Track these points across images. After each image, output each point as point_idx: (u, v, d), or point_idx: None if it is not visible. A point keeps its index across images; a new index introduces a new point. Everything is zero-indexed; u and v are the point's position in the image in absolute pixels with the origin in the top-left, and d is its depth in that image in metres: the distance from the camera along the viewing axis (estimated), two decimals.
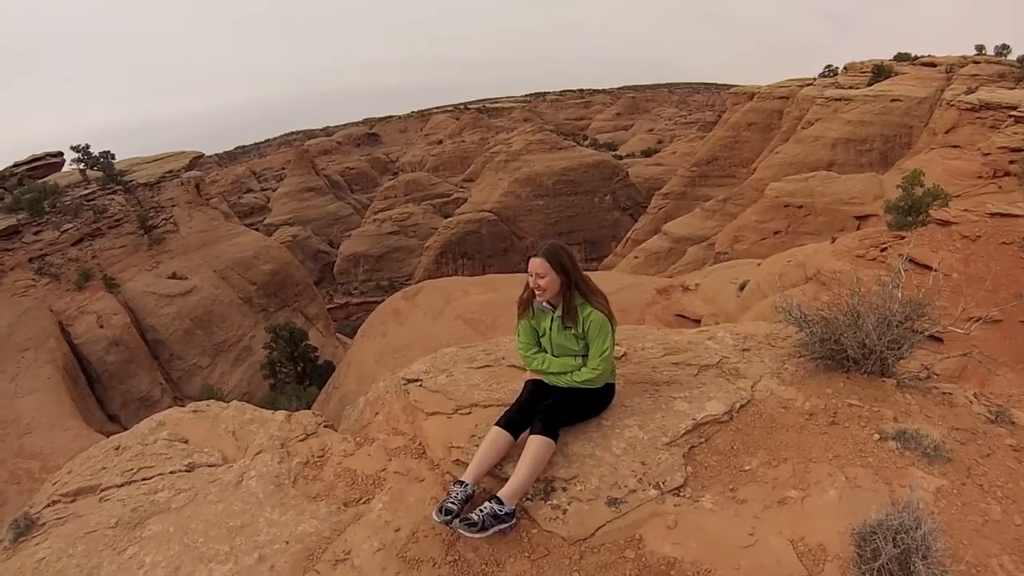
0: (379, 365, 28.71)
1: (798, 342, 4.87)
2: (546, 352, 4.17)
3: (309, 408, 32.05)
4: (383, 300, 40.06)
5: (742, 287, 24.40)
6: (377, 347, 30.19)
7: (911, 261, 16.79)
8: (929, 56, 60.85)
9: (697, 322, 24.20)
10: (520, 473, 3.57)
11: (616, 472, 3.69)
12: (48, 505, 4.86)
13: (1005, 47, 56.69)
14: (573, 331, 4.01)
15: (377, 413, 5.00)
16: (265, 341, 42.32)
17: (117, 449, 5.08)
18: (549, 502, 3.58)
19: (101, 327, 38.27)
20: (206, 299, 44.89)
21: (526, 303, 4.23)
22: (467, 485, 3.59)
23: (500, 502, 3.45)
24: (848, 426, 4.01)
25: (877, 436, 3.88)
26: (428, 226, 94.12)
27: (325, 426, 5.17)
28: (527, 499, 3.61)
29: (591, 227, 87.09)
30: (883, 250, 17.88)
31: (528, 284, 4.12)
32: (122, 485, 4.60)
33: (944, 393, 4.50)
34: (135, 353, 39.06)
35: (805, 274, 20.41)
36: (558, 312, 4.06)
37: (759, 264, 26.69)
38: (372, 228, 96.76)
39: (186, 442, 5.07)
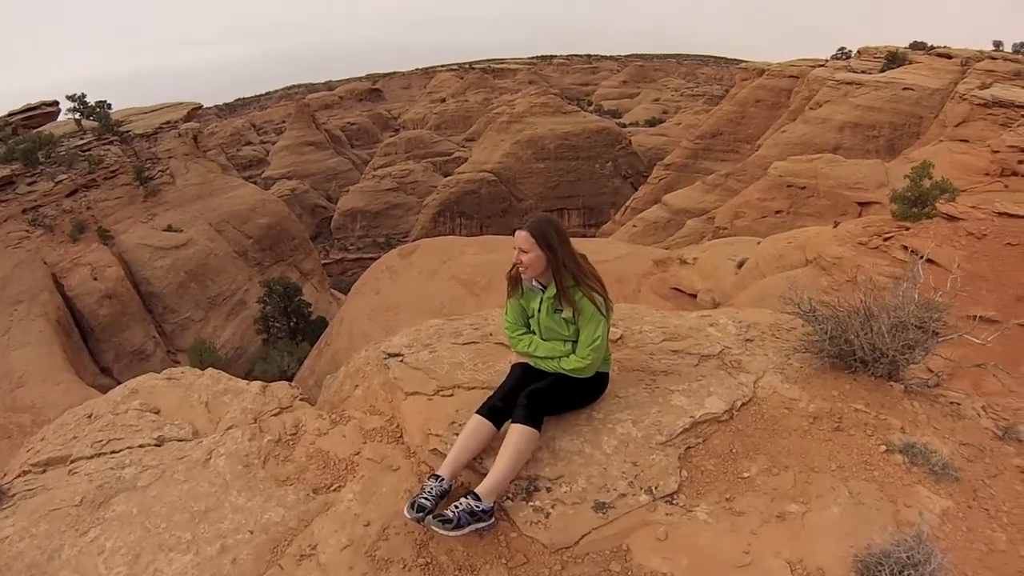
0: (371, 323, 28.63)
1: (804, 337, 4.64)
2: (534, 334, 3.85)
3: (301, 362, 32.29)
4: (379, 257, 39.79)
5: (740, 264, 24.21)
6: (371, 304, 30.02)
7: (914, 253, 16.68)
8: (945, 47, 60.05)
9: (693, 296, 24.08)
10: (500, 466, 3.28)
11: (606, 473, 3.42)
12: (19, 475, 4.68)
13: (1023, 45, 55.73)
14: (563, 314, 3.67)
15: (357, 386, 4.74)
16: (259, 295, 42.31)
17: (89, 417, 4.88)
18: (531, 503, 3.31)
19: (95, 279, 38.13)
20: (201, 252, 44.65)
21: (515, 280, 3.85)
22: (443, 480, 3.31)
23: (477, 498, 3.17)
24: (854, 434, 3.79)
25: (884, 448, 3.67)
26: (427, 184, 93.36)
27: (301, 399, 4.92)
28: (507, 498, 3.34)
29: (591, 193, 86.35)
30: (886, 239, 17.68)
31: (512, 272, 3.82)
32: (91, 457, 4.40)
33: (952, 403, 4.29)
34: (128, 306, 39.00)
35: (805, 257, 20.23)
36: (548, 293, 3.72)
37: (759, 243, 26.45)
38: (371, 184, 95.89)
39: (158, 412, 4.86)
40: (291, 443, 4.24)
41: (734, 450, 3.64)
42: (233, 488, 3.87)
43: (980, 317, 4.74)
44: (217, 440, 4.35)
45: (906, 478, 3.46)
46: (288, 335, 40.86)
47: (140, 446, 4.47)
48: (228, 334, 43.15)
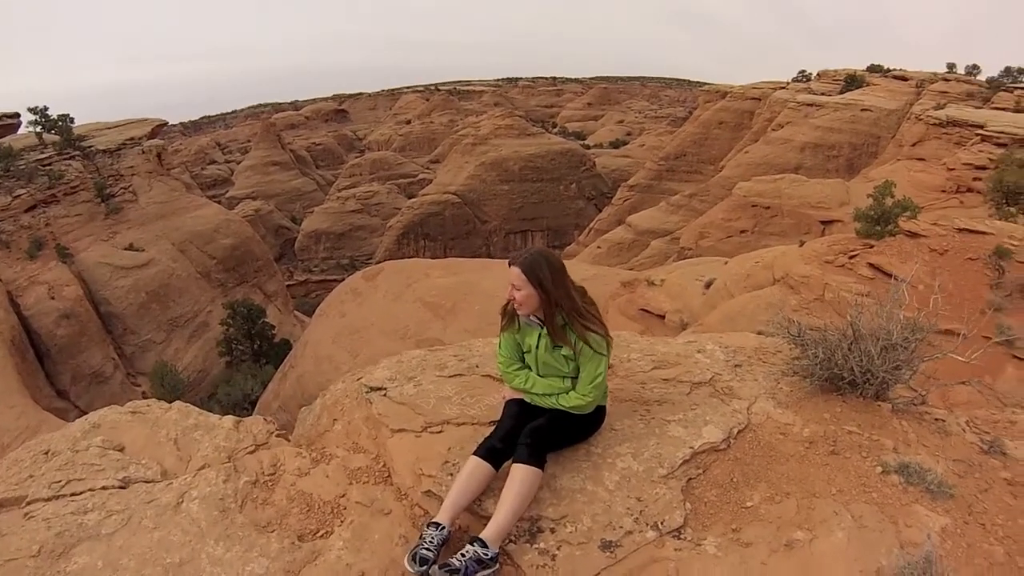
0: (336, 346, 28.27)
1: (792, 360, 4.66)
2: (530, 369, 3.72)
3: (264, 385, 31.70)
4: (343, 279, 39.43)
5: (708, 284, 24.41)
6: (335, 327, 29.67)
7: (878, 270, 16.98)
8: (901, 70, 62.29)
9: (661, 317, 24.18)
10: (504, 509, 3.13)
11: (610, 510, 3.30)
12: None
13: (975, 67, 58.00)
14: (563, 351, 3.55)
15: (336, 420, 4.52)
16: (222, 317, 41.65)
17: (46, 454, 4.45)
18: (535, 546, 3.16)
19: (52, 298, 37.03)
20: (163, 272, 43.84)
21: (511, 314, 3.72)
22: (443, 528, 3.13)
23: (484, 544, 3.01)
24: (849, 456, 3.79)
25: (880, 469, 3.67)
26: (392, 206, 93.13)
27: (277, 435, 4.67)
28: (510, 541, 3.19)
29: (555, 215, 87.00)
30: (852, 257, 17.95)
31: (507, 305, 3.69)
32: (49, 499, 4.00)
33: (937, 419, 4.34)
34: (87, 327, 37.93)
35: (773, 276, 20.42)
36: (546, 329, 3.59)
37: (726, 263, 26.75)
38: (335, 205, 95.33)
39: (122, 450, 4.46)
40: (270, 484, 3.97)
41: (735, 479, 3.58)
42: (210, 536, 3.56)
43: (961, 335, 4.78)
44: (189, 481, 4.03)
45: (904, 498, 3.46)
46: (252, 358, 40.35)
47: (103, 488, 4.09)
48: (190, 357, 42.28)
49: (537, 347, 3.63)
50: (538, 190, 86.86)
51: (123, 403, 5.39)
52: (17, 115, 47.72)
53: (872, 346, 4.20)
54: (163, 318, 42.48)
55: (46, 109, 47.28)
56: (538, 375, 3.67)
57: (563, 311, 3.51)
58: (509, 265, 3.55)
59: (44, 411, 29.01)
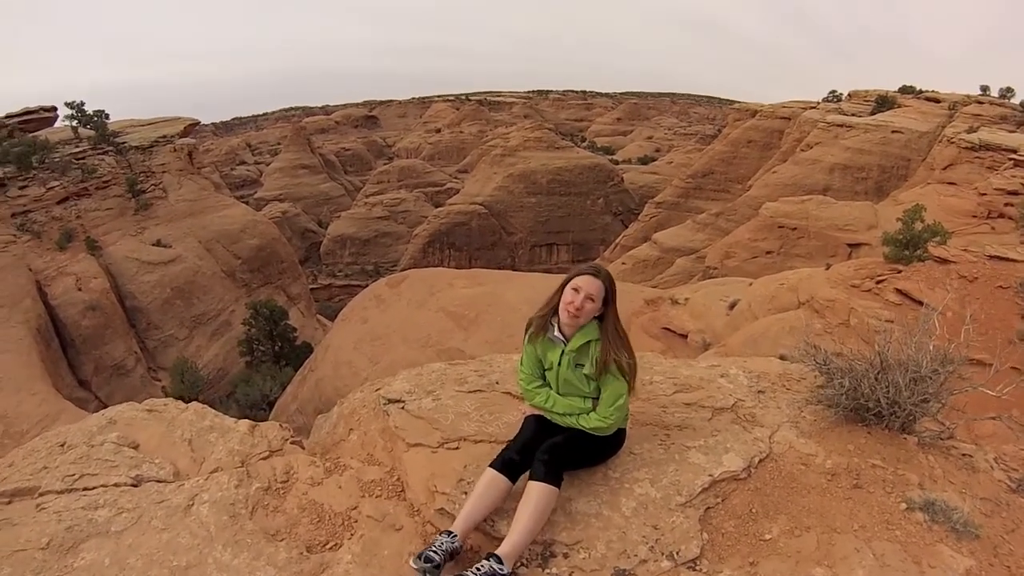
0: (357, 352, 28.33)
1: (816, 389, 4.55)
2: (550, 387, 3.67)
3: (283, 387, 31.84)
4: (367, 285, 39.59)
5: (732, 305, 24.12)
6: (357, 333, 29.73)
7: (905, 296, 16.70)
8: (933, 91, 61.38)
9: (684, 337, 23.93)
10: (520, 527, 3.08)
11: (625, 537, 3.22)
12: None
13: (1009, 90, 57.26)
14: (584, 370, 3.51)
15: (352, 430, 4.49)
16: (244, 317, 41.91)
17: (62, 446, 4.47)
18: (547, 571, 3.10)
19: (79, 290, 37.51)
20: (189, 269, 44.25)
21: (542, 326, 3.66)
22: (455, 537, 3.10)
23: (500, 561, 2.96)
24: (873, 491, 3.68)
25: (904, 505, 3.57)
26: (418, 214, 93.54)
27: (292, 442, 4.65)
28: (522, 564, 3.12)
29: (581, 229, 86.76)
30: (879, 282, 17.68)
31: (552, 302, 3.62)
32: (62, 492, 4.01)
33: (964, 455, 4.21)
34: (112, 319, 38.34)
35: (798, 299, 20.17)
36: (571, 346, 3.55)
37: (751, 284, 26.42)
38: (362, 211, 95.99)
39: (136, 448, 4.47)
40: (282, 492, 3.95)
41: (754, 510, 3.49)
42: (218, 541, 3.53)
43: (992, 367, 4.65)
44: (201, 484, 4.03)
45: (928, 537, 3.37)
46: (272, 359, 40.51)
47: (115, 485, 4.10)
48: (211, 354, 42.63)
49: (559, 364, 3.59)
50: (565, 204, 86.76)
51: (142, 396, 5.41)
52: (54, 108, 48.79)
53: (900, 377, 4.09)
54: (186, 315, 42.89)
55: (82, 104, 48.38)
56: (558, 394, 3.63)
57: (612, 330, 3.53)
58: (580, 275, 3.52)
59: (65, 400, 29.32)
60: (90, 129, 47.74)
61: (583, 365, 3.52)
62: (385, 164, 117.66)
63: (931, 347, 4.28)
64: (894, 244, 18.29)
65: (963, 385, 4.36)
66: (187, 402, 5.31)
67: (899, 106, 59.73)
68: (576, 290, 3.48)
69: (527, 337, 3.73)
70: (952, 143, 45.37)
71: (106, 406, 5.37)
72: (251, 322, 40.64)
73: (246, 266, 49.87)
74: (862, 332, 15.44)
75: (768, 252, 42.32)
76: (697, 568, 3.13)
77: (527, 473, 3.32)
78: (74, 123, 47.92)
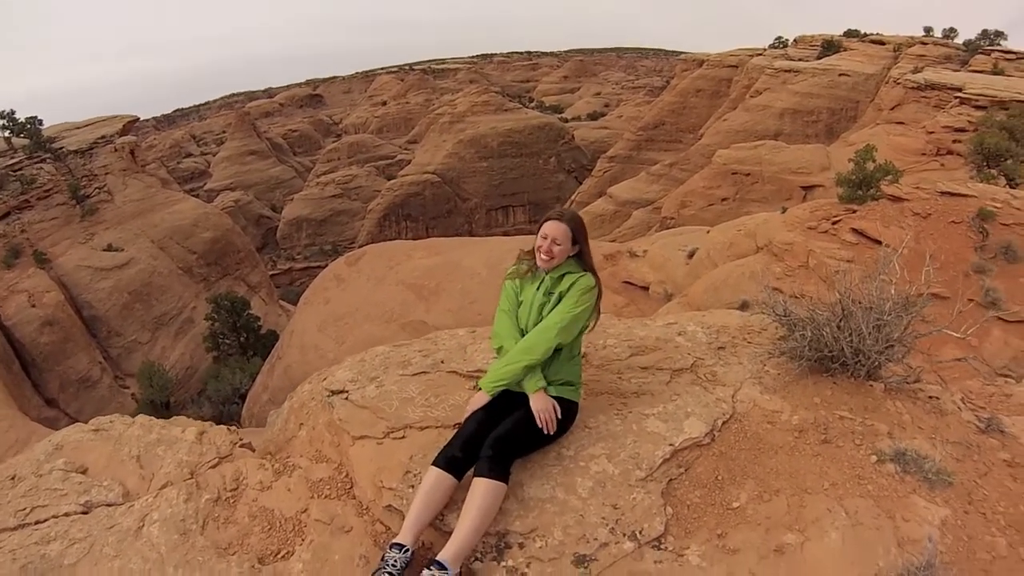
0: (322, 334, 27.96)
1: (779, 340, 4.42)
2: (520, 332, 3.65)
3: (254, 379, 31.34)
4: (326, 265, 39.01)
5: (691, 255, 24.22)
6: (320, 315, 29.32)
7: (862, 235, 16.82)
8: (878, 34, 62.47)
9: (645, 289, 24.00)
10: (464, 528, 2.88)
11: (583, 520, 3.03)
12: None
13: (952, 30, 58.24)
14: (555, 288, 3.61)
15: (302, 425, 4.27)
16: (207, 312, 41.38)
17: (13, 479, 4.25)
18: (503, 563, 2.91)
19: (33, 306, 36.64)
20: (144, 271, 43.45)
21: (524, 269, 3.78)
22: (407, 550, 2.89)
23: (442, 567, 2.76)
24: (842, 445, 3.57)
25: (875, 458, 3.47)
26: (371, 188, 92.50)
27: (241, 445, 4.43)
28: (475, 559, 2.93)
29: (535, 189, 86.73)
30: (835, 223, 17.76)
31: (528, 250, 3.77)
32: (15, 529, 3.80)
33: (931, 397, 4.15)
34: (71, 332, 37.57)
35: (756, 244, 20.24)
36: (550, 275, 3.66)
37: (708, 232, 26.56)
38: (315, 191, 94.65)
39: (84, 472, 4.26)
40: (232, 501, 3.75)
41: (720, 477, 3.34)
42: (169, 564, 3.36)
43: (956, 309, 4.56)
44: (150, 503, 3.82)
45: (900, 489, 3.29)
46: (239, 351, 40.04)
47: (66, 514, 3.89)
48: (177, 354, 42.00)
49: (537, 291, 3.66)
50: (517, 165, 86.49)
51: (113, 406, 5.16)
52: None
53: (864, 324, 3.99)
54: (147, 317, 42.18)
55: (13, 113, 46.52)
56: (529, 328, 3.63)
57: (589, 268, 3.67)
58: (546, 220, 3.63)
59: (33, 422, 28.52)
60: (24, 138, 45.99)
61: (554, 294, 3.59)
62: (333, 142, 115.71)
63: (892, 291, 4.18)
64: (848, 184, 18.34)
65: (927, 328, 4.32)
66: (162, 406, 5.05)
67: (845, 50, 60.67)
68: (545, 237, 3.60)
69: (508, 275, 3.84)
70: (899, 84, 46.21)
71: (77, 422, 5.13)
72: (214, 316, 40.00)
73: (202, 260, 49.04)
74: (822, 273, 15.53)
75: (724, 199, 42.67)
76: (662, 546, 2.96)
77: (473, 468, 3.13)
78: (6, 133, 46.06)
